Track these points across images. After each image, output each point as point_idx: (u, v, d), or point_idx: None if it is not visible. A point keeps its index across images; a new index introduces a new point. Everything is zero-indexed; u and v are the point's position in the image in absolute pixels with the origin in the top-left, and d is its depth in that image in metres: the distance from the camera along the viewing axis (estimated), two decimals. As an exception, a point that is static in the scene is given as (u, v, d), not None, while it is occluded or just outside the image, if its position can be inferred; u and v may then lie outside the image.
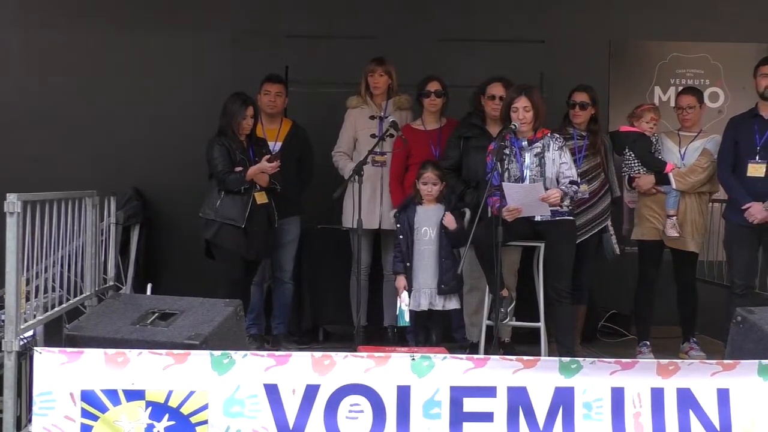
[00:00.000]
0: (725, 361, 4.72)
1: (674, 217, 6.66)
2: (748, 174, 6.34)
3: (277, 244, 6.84)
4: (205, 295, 5.42)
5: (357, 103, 7.04)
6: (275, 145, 6.90)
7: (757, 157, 6.33)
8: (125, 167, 8.11)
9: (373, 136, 6.80)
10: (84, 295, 6.34)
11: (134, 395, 4.52)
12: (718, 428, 4.60)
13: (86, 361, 4.51)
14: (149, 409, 4.51)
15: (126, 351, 4.57)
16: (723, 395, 4.63)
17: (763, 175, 6.29)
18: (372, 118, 6.95)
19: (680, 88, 7.74)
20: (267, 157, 6.40)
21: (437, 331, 6.51)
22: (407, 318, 6.23)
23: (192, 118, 7.82)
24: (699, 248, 6.85)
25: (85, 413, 4.48)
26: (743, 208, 6.30)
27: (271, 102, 6.96)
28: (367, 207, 6.69)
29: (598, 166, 6.74)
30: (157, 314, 5.17)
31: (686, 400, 4.62)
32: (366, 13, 8.27)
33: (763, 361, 4.65)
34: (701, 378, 4.65)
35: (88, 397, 4.48)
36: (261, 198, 6.45)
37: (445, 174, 6.59)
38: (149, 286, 6.47)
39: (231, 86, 6.96)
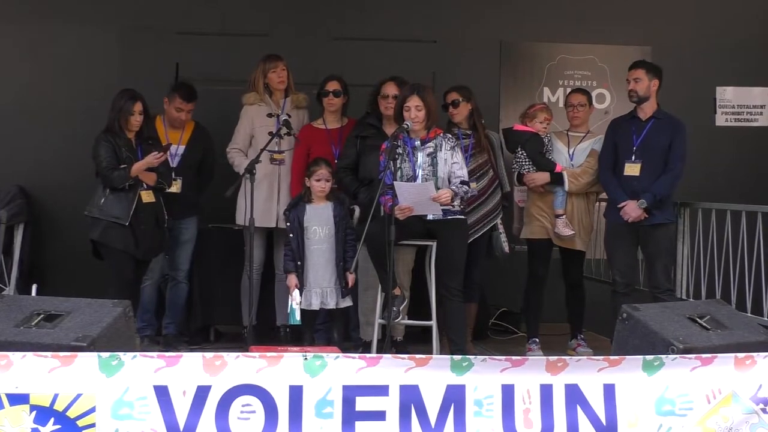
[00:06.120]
0: (611, 357, 4.80)
1: (563, 216, 6.78)
2: (625, 173, 6.52)
3: (173, 243, 6.78)
4: (93, 296, 5.29)
5: (254, 99, 6.96)
6: (178, 149, 6.83)
7: (633, 157, 6.52)
8: (9, 164, 7.89)
9: (270, 133, 6.73)
10: (-35, 296, 6.15)
11: (18, 399, 4.38)
12: (604, 423, 4.69)
13: (-33, 365, 4.37)
14: (33, 413, 4.39)
15: (9, 354, 4.43)
16: (609, 390, 4.71)
17: (638, 174, 6.48)
18: (270, 115, 6.89)
19: (569, 89, 7.91)
20: (154, 153, 6.30)
21: (339, 330, 6.52)
22: (298, 317, 6.25)
23: (79, 115, 7.66)
24: (586, 247, 7.01)
25: (-35, 418, 4.34)
26: (619, 206, 6.47)
27: (182, 120, 6.86)
28: (264, 206, 6.66)
29: (486, 163, 6.78)
30: (42, 316, 5.02)
31: (574, 395, 4.69)
32: (258, 10, 8.22)
33: (647, 356, 4.76)
34: (588, 374, 4.72)
35: (-31, 401, 4.35)
36: (147, 197, 6.35)
37: (340, 173, 6.59)
38: (34, 287, 6.29)
39: (120, 83, 6.85)
